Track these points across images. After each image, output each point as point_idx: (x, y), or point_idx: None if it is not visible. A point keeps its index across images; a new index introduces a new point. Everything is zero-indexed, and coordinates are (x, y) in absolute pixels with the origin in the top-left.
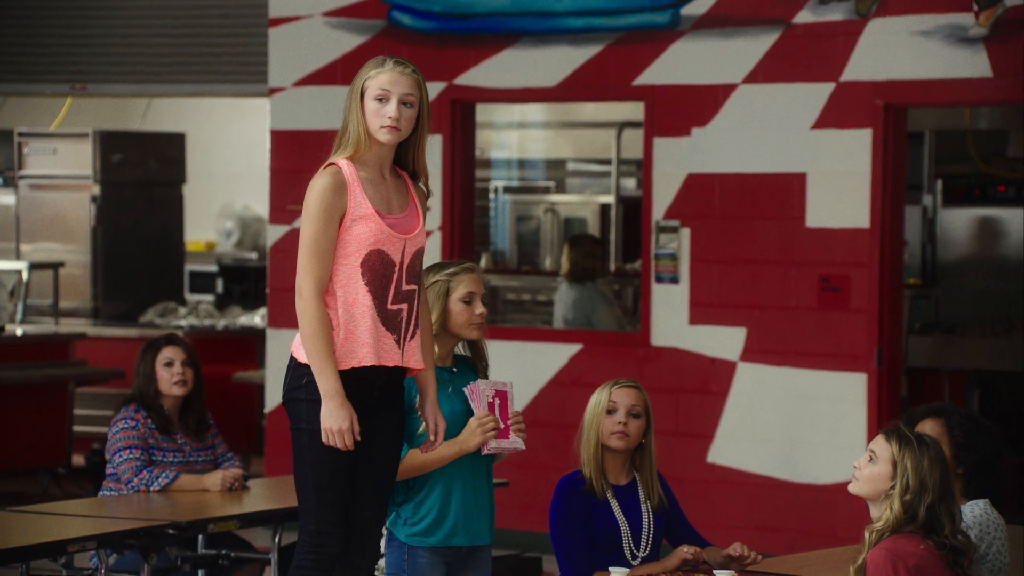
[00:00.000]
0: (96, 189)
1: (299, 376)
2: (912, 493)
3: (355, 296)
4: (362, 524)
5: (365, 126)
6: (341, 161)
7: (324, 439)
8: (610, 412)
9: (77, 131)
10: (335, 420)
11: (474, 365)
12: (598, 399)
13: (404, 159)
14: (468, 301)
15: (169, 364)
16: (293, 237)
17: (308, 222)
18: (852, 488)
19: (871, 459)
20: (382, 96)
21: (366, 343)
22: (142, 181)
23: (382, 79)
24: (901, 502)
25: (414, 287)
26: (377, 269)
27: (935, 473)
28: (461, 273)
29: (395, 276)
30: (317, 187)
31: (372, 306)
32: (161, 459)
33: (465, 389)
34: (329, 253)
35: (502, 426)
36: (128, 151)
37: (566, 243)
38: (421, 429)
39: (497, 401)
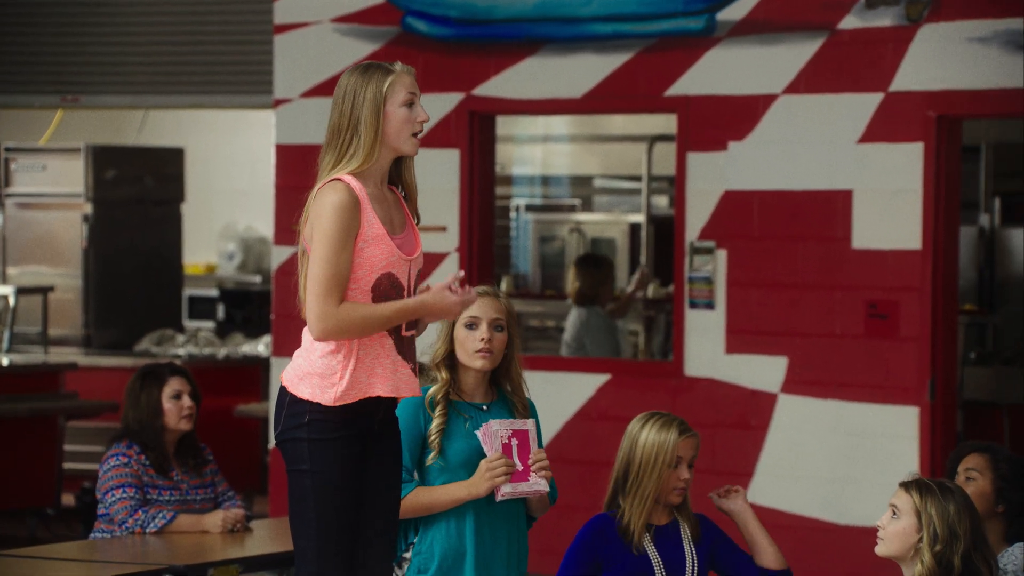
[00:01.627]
0: (88, 208)
1: (299, 413)
2: (943, 543)
3: None
4: (364, 542)
5: (383, 135)
6: (347, 177)
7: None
8: (673, 466)
9: (68, 146)
10: (446, 303)
11: (512, 406)
12: (662, 444)
13: (398, 174)
14: (471, 326)
15: (177, 397)
16: None
17: (324, 243)
18: (879, 550)
19: (894, 514)
20: (411, 101)
21: (381, 375)
22: (138, 199)
23: (406, 82)
24: (932, 554)
25: None
26: (389, 294)
27: (964, 520)
28: None
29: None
30: (333, 204)
31: (389, 334)
32: (157, 498)
33: (477, 432)
34: (345, 277)
35: (519, 468)
36: (123, 167)
37: (572, 264)
38: (430, 459)
39: (515, 442)
